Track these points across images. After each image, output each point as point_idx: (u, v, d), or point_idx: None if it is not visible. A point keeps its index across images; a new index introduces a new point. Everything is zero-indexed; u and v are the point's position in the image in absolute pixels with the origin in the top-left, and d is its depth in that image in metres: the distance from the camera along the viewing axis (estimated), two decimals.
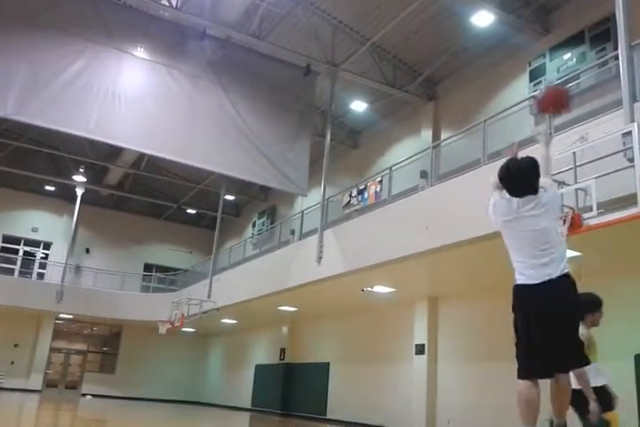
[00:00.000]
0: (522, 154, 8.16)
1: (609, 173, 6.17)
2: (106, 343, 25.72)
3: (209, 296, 17.91)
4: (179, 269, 24.86)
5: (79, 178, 22.81)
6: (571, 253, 7.50)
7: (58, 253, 23.92)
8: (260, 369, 20.65)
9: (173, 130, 12.76)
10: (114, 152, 21.22)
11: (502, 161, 8.67)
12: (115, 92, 12.30)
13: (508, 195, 3.56)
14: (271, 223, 21.74)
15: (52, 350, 23.74)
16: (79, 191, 23.24)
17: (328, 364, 16.64)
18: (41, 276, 23.87)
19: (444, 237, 9.27)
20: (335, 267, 12.02)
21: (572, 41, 10.93)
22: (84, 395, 23.34)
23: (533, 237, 3.49)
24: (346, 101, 16.34)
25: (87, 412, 16.49)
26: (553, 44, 11.42)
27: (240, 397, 21.21)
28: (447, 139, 12.11)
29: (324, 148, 13.95)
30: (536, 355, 3.32)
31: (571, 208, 6.31)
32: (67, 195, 23.99)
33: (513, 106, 10.04)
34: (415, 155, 12.26)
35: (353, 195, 12.77)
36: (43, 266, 24.19)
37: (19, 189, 23.74)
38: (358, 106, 16.56)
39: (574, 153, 6.46)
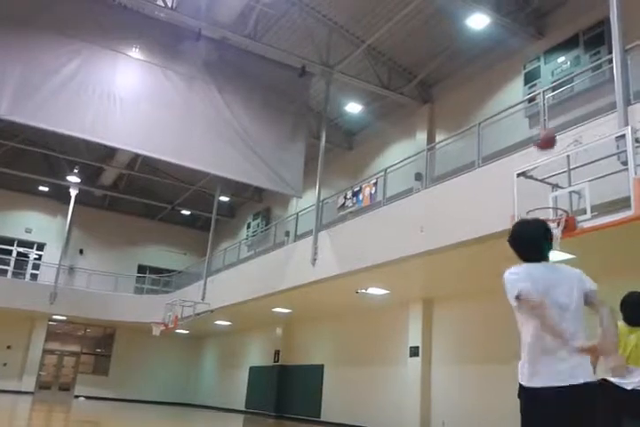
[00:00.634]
0: (517, 156, 8.20)
1: (603, 176, 6.19)
2: (99, 345, 25.59)
3: (203, 298, 17.87)
4: (173, 271, 24.79)
5: (73, 178, 22.72)
6: (564, 256, 7.56)
7: (51, 254, 23.82)
8: (254, 371, 20.61)
9: (168, 131, 12.73)
10: (108, 153, 21.17)
11: (496, 163, 8.68)
12: (110, 92, 12.26)
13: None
14: (266, 225, 21.71)
15: (45, 351, 23.61)
16: (73, 192, 23.15)
17: (322, 366, 16.62)
18: (34, 277, 23.76)
19: (438, 240, 9.28)
20: (330, 269, 12.01)
21: (567, 44, 10.98)
22: (77, 397, 23.23)
23: None
24: (341, 103, 16.35)
25: (80, 414, 16.41)
26: (547, 47, 11.47)
27: (234, 399, 21.15)
28: (442, 141, 12.13)
29: (319, 149, 13.95)
30: None
31: (564, 211, 6.33)
32: (61, 195, 23.90)
33: (507, 108, 10.07)
34: (410, 157, 12.28)
35: (348, 197, 12.77)
36: (36, 267, 24.07)
37: (12, 190, 23.61)
38: (353, 108, 16.58)
39: (568, 156, 6.48)
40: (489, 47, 12.98)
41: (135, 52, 12.89)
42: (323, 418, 15.88)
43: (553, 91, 9.21)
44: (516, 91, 12.04)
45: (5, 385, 21.80)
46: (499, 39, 12.56)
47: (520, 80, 11.93)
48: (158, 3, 12.63)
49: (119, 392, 23.64)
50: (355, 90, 15.57)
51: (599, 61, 9.36)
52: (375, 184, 11.95)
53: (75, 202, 23.32)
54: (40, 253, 24.63)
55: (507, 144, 9.71)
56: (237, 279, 16.79)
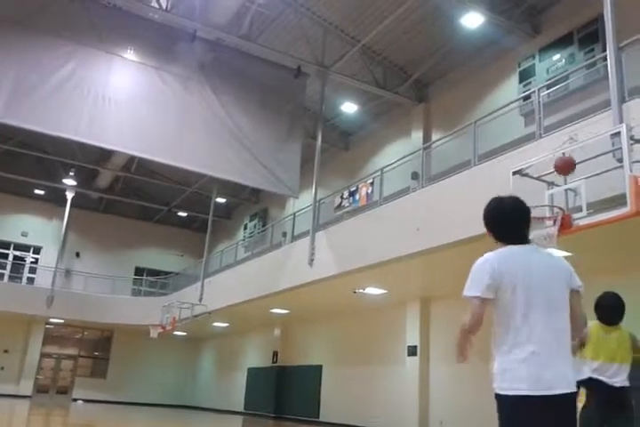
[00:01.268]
0: (513, 154, 8.20)
1: (598, 174, 6.19)
2: (97, 348, 25.52)
3: (200, 300, 17.83)
4: (170, 273, 24.75)
5: (69, 181, 22.67)
6: (561, 254, 7.55)
7: (48, 258, 23.76)
8: (252, 372, 20.58)
9: (164, 132, 12.71)
10: (104, 155, 21.12)
11: (492, 162, 8.66)
12: (105, 94, 12.23)
13: None
14: (263, 226, 21.69)
15: (42, 355, 23.55)
16: (69, 195, 23.10)
17: (321, 366, 16.61)
18: (31, 280, 23.68)
19: (435, 239, 9.27)
20: (327, 269, 12.00)
21: (562, 42, 10.99)
22: (75, 400, 23.18)
23: None
24: (337, 103, 16.35)
25: (78, 417, 16.35)
26: (542, 45, 11.48)
27: (232, 400, 21.12)
28: (438, 140, 12.13)
29: (316, 149, 13.94)
30: None
31: (560, 209, 6.33)
32: (56, 198, 23.84)
33: (503, 107, 10.07)
34: (406, 156, 12.28)
35: (344, 197, 12.76)
36: (33, 270, 24.00)
37: (8, 193, 23.54)
38: (349, 108, 16.58)
39: (563, 154, 6.48)
40: (484, 46, 13.00)
41: (130, 54, 12.87)
42: (321, 418, 15.86)
43: (548, 89, 9.22)
44: (511, 89, 12.05)
45: (3, 389, 21.73)
46: (493, 38, 12.57)
47: (515, 78, 11.94)
48: (153, 4, 12.60)
49: (117, 395, 23.58)
50: (350, 90, 15.57)
51: (594, 59, 9.37)
52: (372, 184, 11.95)
53: (71, 205, 23.26)
54: (36, 256, 24.56)
55: (502, 142, 9.72)
56: (235, 281, 16.77)
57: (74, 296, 22.34)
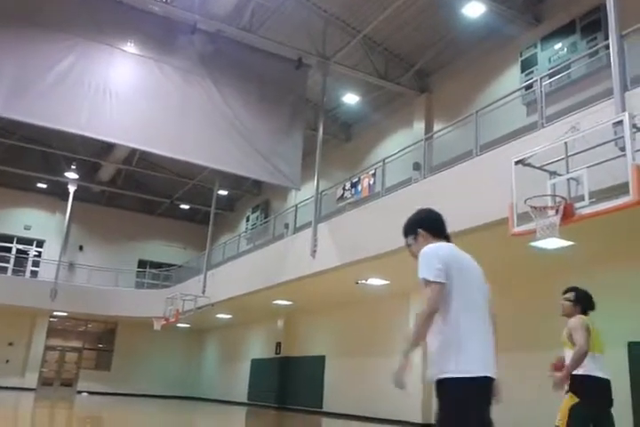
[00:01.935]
0: (515, 144, 8.19)
1: (600, 163, 6.19)
2: (101, 340, 25.67)
3: (203, 292, 17.91)
4: (173, 265, 24.83)
5: (71, 175, 22.69)
6: (563, 243, 7.56)
7: (51, 251, 23.83)
8: (255, 363, 20.68)
9: (165, 125, 12.70)
10: (106, 148, 21.14)
11: (494, 151, 8.66)
12: (105, 87, 12.21)
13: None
14: (265, 218, 21.72)
15: (46, 347, 23.68)
16: (71, 188, 23.13)
17: (324, 357, 16.68)
18: (34, 274, 23.78)
19: None
20: (329, 260, 12.03)
21: (563, 31, 10.94)
22: (79, 392, 23.33)
23: None
24: (338, 94, 16.31)
25: (83, 409, 16.48)
26: (544, 33, 11.43)
27: (236, 391, 21.24)
28: (439, 131, 12.11)
29: (317, 141, 13.93)
30: None
31: (563, 198, 6.34)
32: (59, 192, 23.88)
33: (505, 96, 10.05)
34: (408, 147, 12.27)
35: (346, 188, 12.77)
36: (36, 264, 24.09)
37: (10, 187, 23.60)
38: (350, 99, 16.54)
39: (566, 143, 6.48)
40: (485, 35, 12.94)
41: (130, 47, 12.82)
42: (325, 409, 15.96)
43: (550, 78, 9.18)
44: (513, 78, 12.01)
45: (8, 382, 21.87)
46: (495, 27, 12.51)
47: (517, 68, 11.90)
48: None
49: (122, 387, 23.73)
50: (352, 81, 15.53)
51: (596, 47, 9.32)
52: (374, 175, 11.95)
53: (73, 198, 23.30)
54: (40, 249, 24.65)
55: (504, 132, 9.70)
56: (237, 272, 16.81)
57: (77, 289, 22.43)
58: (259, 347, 20.81)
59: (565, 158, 6.49)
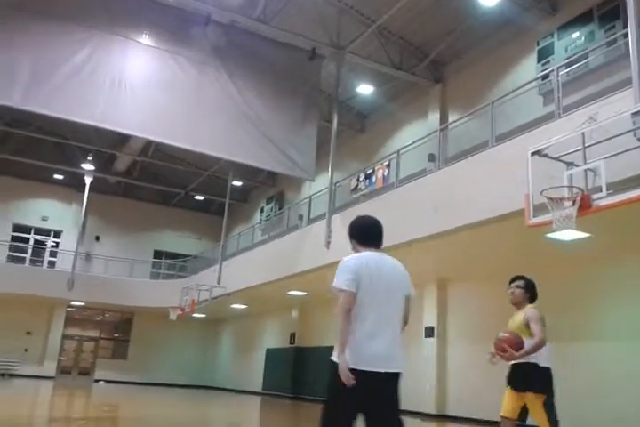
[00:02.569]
0: (531, 134, 8.12)
1: (618, 154, 6.12)
2: (117, 330, 25.99)
3: (219, 282, 18.03)
4: (188, 256, 25.01)
5: (87, 166, 22.88)
6: (580, 235, 7.50)
7: (68, 242, 24.09)
8: (270, 353, 20.83)
9: (180, 116, 12.75)
10: (121, 140, 21.26)
11: (510, 142, 8.60)
12: (121, 79, 12.29)
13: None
14: (279, 209, 21.77)
15: (64, 337, 24.03)
16: (88, 179, 23.32)
17: None
18: (52, 264, 24.08)
19: (452, 220, 9.26)
20: (344, 251, 11.83)
21: (581, 19, 10.79)
22: (96, 381, 23.67)
23: None
24: (352, 85, 16.24)
25: (101, 397, 16.73)
26: (561, 22, 11.28)
27: (251, 381, 21.43)
28: (455, 121, 12.02)
29: (331, 132, 13.90)
30: None
31: (580, 189, 6.29)
32: (75, 183, 24.10)
33: (521, 86, 9.95)
34: (422, 138, 12.21)
35: (360, 179, 12.75)
36: (53, 254, 24.39)
37: (28, 179, 23.85)
38: (365, 89, 16.46)
39: (583, 133, 6.41)
40: (501, 24, 12.79)
41: (145, 39, 12.87)
42: None
43: (567, 67, 9.08)
44: (529, 68, 11.88)
45: (27, 370, 22.24)
46: (511, 16, 12.37)
47: (533, 57, 11.76)
48: None
49: (138, 376, 24.02)
50: (366, 71, 15.45)
51: (614, 36, 9.19)
52: (388, 166, 11.91)
53: (89, 189, 23.49)
54: (57, 240, 24.94)
55: (521, 123, 9.62)
56: (252, 263, 16.90)
57: (94, 279, 22.69)
58: (273, 337, 20.95)
59: (583, 149, 6.42)
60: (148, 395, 18.25)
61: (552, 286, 10.39)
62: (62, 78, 11.70)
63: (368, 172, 12.61)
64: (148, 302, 22.35)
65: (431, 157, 11.33)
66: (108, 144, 21.70)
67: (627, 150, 6.10)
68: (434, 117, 14.60)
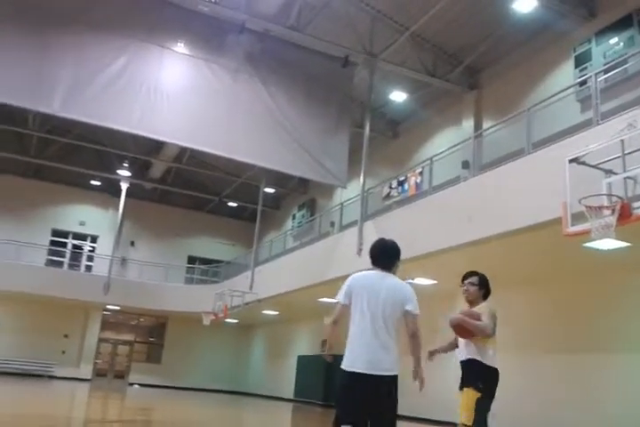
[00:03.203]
0: (569, 141, 7.96)
1: None
2: (152, 334, 26.33)
3: (251, 288, 18.12)
4: (221, 262, 25.22)
5: (123, 172, 23.32)
6: (619, 244, 7.32)
7: (104, 246, 24.56)
8: (302, 360, 20.82)
9: (214, 124, 12.91)
10: (156, 146, 21.63)
11: (547, 149, 8.45)
12: (157, 87, 12.52)
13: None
14: (311, 215, 21.81)
15: (100, 340, 24.47)
16: (124, 185, 23.75)
17: None
18: (89, 268, 24.59)
19: (487, 229, 9.13)
20: None
21: (620, 25, 10.56)
22: (131, 384, 24.00)
23: None
24: (385, 92, 16.21)
25: (135, 400, 16.95)
26: (599, 28, 11.06)
27: (283, 387, 21.43)
28: (489, 128, 11.88)
29: (364, 139, 13.87)
30: None
31: (619, 197, 6.13)
32: (112, 189, 24.58)
33: (558, 93, 9.79)
34: (457, 145, 12.09)
35: (393, 186, 12.69)
36: (90, 259, 24.90)
37: (67, 184, 24.43)
38: (398, 96, 16.40)
39: (622, 140, 6.26)
40: (537, 30, 12.61)
41: (180, 47, 13.10)
42: None
43: (605, 73, 8.90)
44: (566, 74, 11.68)
45: (64, 372, 22.70)
46: (547, 22, 12.19)
47: (570, 63, 11.57)
48: None
49: (172, 380, 24.29)
50: (399, 78, 15.40)
51: None
52: (421, 173, 11.84)
53: (126, 195, 23.92)
54: (94, 245, 25.44)
55: (558, 129, 9.46)
56: (284, 270, 16.94)
57: (129, 284, 23.07)
58: (305, 344, 20.94)
59: (622, 156, 6.27)
60: (182, 399, 18.41)
61: (589, 296, 10.17)
62: (100, 86, 11.97)
63: (401, 179, 12.55)
64: (181, 306, 22.58)
65: (465, 165, 11.21)
66: (143, 151, 22.10)
67: None
68: (468, 124, 14.45)
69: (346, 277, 4.10)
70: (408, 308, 3.54)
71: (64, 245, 24.84)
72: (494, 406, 11.51)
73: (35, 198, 23.86)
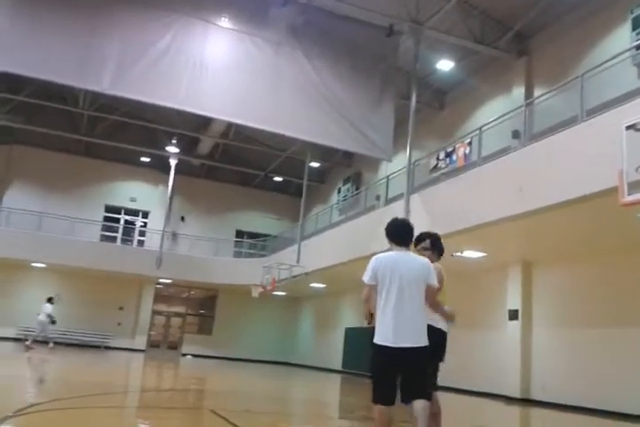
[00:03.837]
0: (626, 109, 7.65)
1: None
2: (203, 306, 27.04)
3: (298, 261, 18.29)
4: (268, 235, 25.53)
5: (172, 149, 23.71)
6: None
7: (155, 222, 25.19)
8: (349, 332, 21.02)
9: (259, 98, 12.90)
10: (204, 123, 21.84)
11: (602, 116, 8.13)
12: (202, 63, 12.57)
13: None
14: (356, 189, 21.73)
15: (153, 312, 25.29)
16: (173, 162, 24.19)
17: None
18: (141, 243, 25.31)
19: (538, 200, 8.91)
20: (421, 231, 11.87)
21: None
22: (184, 355, 24.79)
23: None
24: (431, 61, 15.82)
25: (189, 370, 17.53)
26: None
27: (331, 359, 21.74)
28: (541, 96, 11.49)
29: (409, 110, 13.63)
30: None
31: None
32: (161, 165, 25.07)
33: (613, 57, 9.34)
34: (507, 114, 11.74)
35: (440, 158, 12.48)
36: (142, 234, 25.60)
37: (117, 162, 25.04)
38: (444, 65, 15.99)
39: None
40: None
41: (224, 22, 13.08)
42: None
43: None
44: (622, 38, 11.16)
45: (120, 343, 23.64)
46: None
47: (627, 26, 11.04)
48: None
49: (222, 351, 24.96)
50: (446, 46, 15.00)
51: None
52: (470, 143, 11.58)
53: (175, 171, 24.38)
54: (145, 220, 26.12)
55: (613, 96, 9.06)
56: (330, 243, 17.01)
57: (180, 258, 23.67)
58: (352, 316, 21.10)
59: None
60: (233, 370, 18.93)
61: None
62: (147, 63, 12.10)
63: (448, 150, 12.32)
64: (231, 279, 23.06)
65: (515, 134, 10.89)
66: (191, 127, 22.38)
67: None
68: (518, 92, 14.01)
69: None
70: (430, 282, 3.83)
71: (117, 220, 25.57)
72: (546, 378, 11.51)
73: (87, 176, 24.57)
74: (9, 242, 20.61)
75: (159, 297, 25.78)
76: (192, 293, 26.86)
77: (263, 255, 23.80)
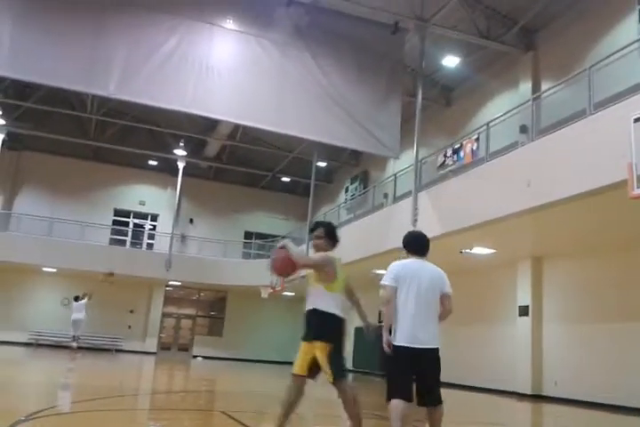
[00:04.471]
0: (634, 101, 7.58)
1: None
2: (213, 308, 27.08)
3: None
4: (277, 236, 25.52)
5: (180, 152, 23.78)
6: None
7: (164, 224, 25.27)
8: (359, 331, 20.85)
9: (266, 99, 12.90)
10: (211, 125, 21.89)
11: (611, 109, 8.07)
12: (208, 65, 12.58)
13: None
14: (364, 188, 21.70)
15: (163, 314, 25.36)
16: (180, 165, 24.27)
17: None
18: (150, 246, 25.39)
19: (547, 195, 8.86)
20: (431, 229, 11.79)
21: None
22: (194, 357, 24.84)
23: None
24: (437, 57, 15.75)
25: (199, 372, 17.55)
26: None
27: None
28: (548, 89, 11.41)
29: (416, 107, 13.59)
30: None
31: None
32: (169, 168, 25.15)
33: (621, 49, 9.26)
34: (514, 108, 11.68)
35: (448, 155, 12.43)
36: (151, 237, 25.69)
37: (126, 165, 25.14)
38: (450, 61, 15.91)
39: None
40: None
41: (229, 24, 13.08)
42: None
43: None
44: (629, 29, 11.07)
45: (131, 346, 23.73)
46: None
47: (634, 17, 10.95)
48: None
49: (233, 352, 24.97)
50: (451, 42, 14.93)
51: None
52: (477, 140, 11.53)
53: (183, 174, 24.45)
54: (154, 223, 26.21)
55: (622, 88, 8.99)
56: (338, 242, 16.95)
57: (189, 260, 23.73)
58: None
59: None
60: (244, 370, 18.94)
61: None
62: (153, 67, 12.12)
63: (456, 146, 12.27)
64: (240, 281, 23.08)
65: (523, 129, 10.83)
66: (198, 130, 22.45)
67: None
68: (525, 87, 13.94)
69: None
70: (446, 290, 4.12)
71: (126, 224, 25.66)
72: (557, 374, 11.45)
73: (96, 180, 24.68)
74: (20, 247, 20.75)
75: (169, 299, 25.84)
76: (202, 294, 26.91)
77: None
